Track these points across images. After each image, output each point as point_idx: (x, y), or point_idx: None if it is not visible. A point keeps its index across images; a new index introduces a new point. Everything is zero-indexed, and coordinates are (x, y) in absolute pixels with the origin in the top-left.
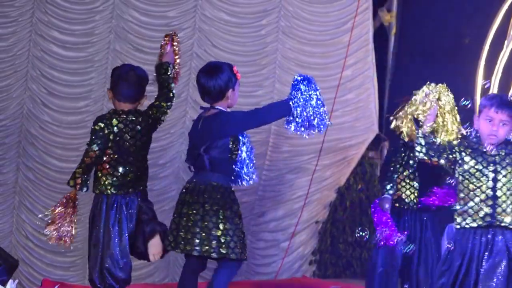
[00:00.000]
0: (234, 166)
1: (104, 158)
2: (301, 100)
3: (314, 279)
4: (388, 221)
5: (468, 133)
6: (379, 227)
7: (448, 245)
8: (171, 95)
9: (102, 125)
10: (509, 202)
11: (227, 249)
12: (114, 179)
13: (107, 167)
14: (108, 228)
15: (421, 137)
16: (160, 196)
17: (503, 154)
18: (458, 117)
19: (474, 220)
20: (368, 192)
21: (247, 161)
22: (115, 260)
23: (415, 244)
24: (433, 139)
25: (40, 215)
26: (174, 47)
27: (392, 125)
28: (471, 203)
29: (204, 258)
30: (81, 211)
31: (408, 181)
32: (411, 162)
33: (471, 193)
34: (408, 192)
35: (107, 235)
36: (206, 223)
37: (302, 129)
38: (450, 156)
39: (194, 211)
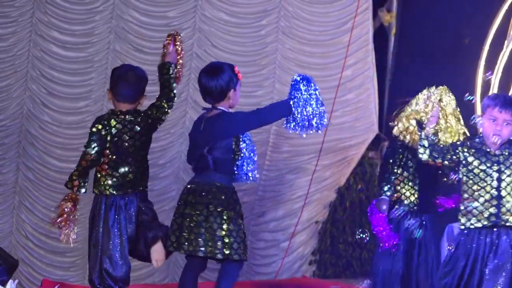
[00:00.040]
0: (236, 165)
1: (103, 159)
2: (301, 100)
3: (314, 279)
4: (384, 224)
5: (478, 121)
6: (376, 230)
7: (448, 247)
8: (172, 95)
9: (100, 126)
10: None
11: (230, 250)
12: (114, 179)
13: (106, 167)
14: (107, 228)
15: (424, 139)
16: (160, 196)
17: (507, 153)
18: (460, 117)
19: (478, 220)
20: (368, 192)
21: (249, 160)
22: (113, 261)
23: (415, 244)
24: (436, 141)
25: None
26: (177, 47)
27: (395, 131)
28: (475, 203)
29: (207, 259)
30: (81, 211)
31: (407, 182)
32: (410, 163)
33: (476, 193)
34: (407, 194)
35: (106, 236)
36: (210, 224)
37: (301, 128)
38: (454, 157)
39: (198, 212)
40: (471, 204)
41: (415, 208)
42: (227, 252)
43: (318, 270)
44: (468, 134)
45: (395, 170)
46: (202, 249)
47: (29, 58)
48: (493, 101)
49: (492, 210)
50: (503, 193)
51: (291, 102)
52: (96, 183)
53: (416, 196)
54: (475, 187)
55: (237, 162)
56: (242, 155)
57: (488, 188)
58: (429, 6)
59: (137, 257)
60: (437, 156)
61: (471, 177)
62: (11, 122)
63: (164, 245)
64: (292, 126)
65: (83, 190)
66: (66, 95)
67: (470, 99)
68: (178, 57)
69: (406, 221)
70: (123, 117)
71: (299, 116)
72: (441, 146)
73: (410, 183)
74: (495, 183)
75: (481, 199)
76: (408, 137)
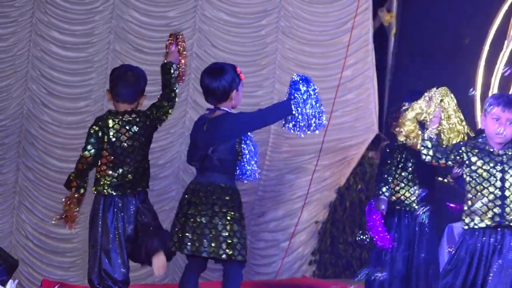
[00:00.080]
0: (239, 166)
1: (101, 160)
2: (301, 100)
3: (314, 279)
4: (380, 224)
5: (473, 93)
6: (371, 229)
7: (449, 249)
8: (173, 95)
9: (97, 128)
10: None
11: (234, 250)
12: (112, 179)
13: (105, 168)
14: (106, 228)
15: (427, 140)
16: (160, 196)
17: (510, 153)
18: (462, 117)
19: (482, 221)
20: (368, 192)
21: (252, 160)
22: (112, 261)
23: (415, 244)
24: (439, 141)
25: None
26: (179, 47)
27: (401, 138)
28: (479, 204)
29: (210, 259)
30: (81, 211)
31: (407, 182)
32: (409, 163)
33: (479, 193)
34: (407, 194)
35: (105, 236)
36: (215, 224)
37: (300, 128)
38: (458, 157)
39: (203, 212)
40: (475, 205)
41: (415, 208)
42: (230, 252)
43: (318, 270)
44: (471, 134)
45: (394, 171)
46: (206, 249)
47: (29, 58)
48: (496, 101)
49: (496, 210)
50: (507, 193)
51: (292, 102)
52: (96, 183)
53: (416, 196)
54: (478, 187)
55: (240, 163)
56: (244, 155)
57: (491, 188)
58: (429, 6)
59: (137, 262)
60: (440, 157)
61: (474, 177)
62: (11, 122)
63: (165, 253)
64: (291, 126)
65: (82, 190)
66: (66, 95)
67: (474, 94)
68: (181, 57)
69: (406, 220)
70: (121, 117)
71: (299, 116)
72: (444, 146)
73: (410, 184)
74: (498, 183)
75: (485, 199)
76: (413, 141)
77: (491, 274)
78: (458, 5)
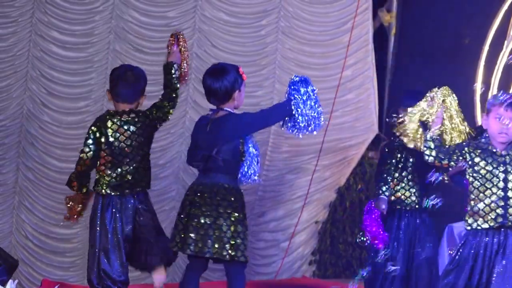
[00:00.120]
0: (241, 167)
1: (100, 160)
2: (300, 101)
3: (314, 279)
4: (378, 223)
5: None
6: (368, 228)
7: (449, 252)
8: (173, 95)
9: (95, 129)
10: None
11: (237, 251)
12: (111, 179)
13: (103, 168)
14: (104, 229)
15: (429, 140)
16: (160, 196)
17: None
18: (463, 117)
19: (485, 221)
20: (368, 192)
21: (254, 161)
22: (111, 261)
23: (414, 244)
24: (442, 142)
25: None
26: (180, 47)
27: (411, 145)
28: (482, 204)
29: (213, 260)
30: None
31: (407, 182)
32: (409, 163)
33: (481, 194)
34: (407, 194)
35: (104, 236)
36: (220, 225)
37: (298, 129)
38: (460, 158)
39: (208, 213)
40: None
41: (416, 207)
42: (233, 253)
43: (318, 270)
44: (473, 134)
45: (393, 171)
46: (210, 250)
47: (29, 58)
48: (499, 100)
49: (499, 211)
50: (509, 193)
51: (292, 103)
52: (95, 183)
53: (416, 195)
54: (481, 188)
55: (242, 164)
56: (246, 158)
57: (494, 189)
58: (429, 6)
59: (136, 269)
60: (443, 157)
61: (477, 178)
62: (11, 122)
63: (165, 265)
64: (289, 126)
65: (84, 190)
66: (66, 95)
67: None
68: (182, 57)
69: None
70: (119, 117)
71: (299, 117)
72: (447, 147)
73: (410, 183)
74: (501, 184)
75: (487, 200)
76: (418, 143)
77: (494, 275)
78: (458, 5)
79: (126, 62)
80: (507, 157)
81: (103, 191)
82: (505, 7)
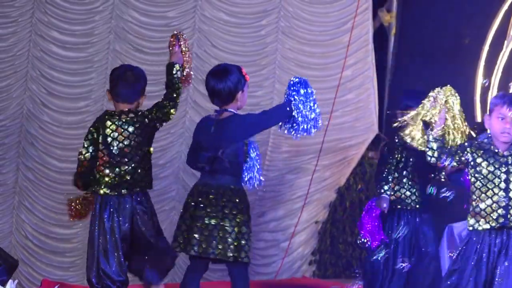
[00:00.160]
0: (244, 169)
1: (99, 160)
2: (300, 102)
3: (314, 279)
4: (376, 223)
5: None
6: (363, 227)
7: (450, 254)
8: (174, 95)
9: (93, 129)
10: None
11: (241, 252)
12: (110, 179)
13: (102, 168)
14: (103, 228)
15: (432, 141)
16: (160, 196)
17: None
18: (465, 117)
19: (487, 222)
20: (368, 192)
21: (256, 163)
22: (110, 261)
23: (415, 243)
24: (444, 142)
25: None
26: (182, 47)
27: (419, 145)
28: (483, 205)
29: (216, 261)
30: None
31: (407, 181)
32: (409, 163)
33: (483, 194)
34: (408, 193)
35: (102, 236)
36: (225, 226)
37: (295, 131)
38: (463, 158)
39: (213, 214)
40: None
41: (417, 207)
42: (237, 254)
43: (318, 270)
44: (474, 134)
45: (393, 170)
46: (214, 251)
47: (29, 58)
48: (502, 100)
49: (500, 211)
50: (511, 194)
51: (292, 104)
52: (95, 182)
53: (416, 195)
54: (483, 189)
55: (245, 169)
56: (250, 160)
57: (496, 190)
58: (429, 6)
59: (136, 275)
60: (445, 158)
61: (479, 178)
62: (11, 122)
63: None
64: (288, 127)
65: (89, 188)
66: (66, 95)
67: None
68: (184, 57)
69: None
70: (118, 117)
71: (299, 118)
72: (450, 147)
73: (410, 183)
74: (503, 185)
75: (489, 201)
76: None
77: (497, 276)
78: (458, 5)
79: (126, 62)
80: (509, 157)
81: (102, 191)
82: (505, 7)
